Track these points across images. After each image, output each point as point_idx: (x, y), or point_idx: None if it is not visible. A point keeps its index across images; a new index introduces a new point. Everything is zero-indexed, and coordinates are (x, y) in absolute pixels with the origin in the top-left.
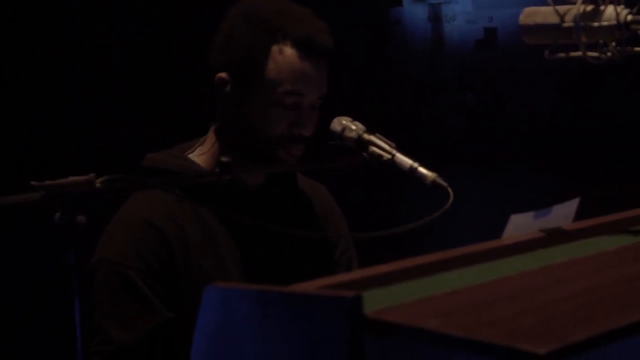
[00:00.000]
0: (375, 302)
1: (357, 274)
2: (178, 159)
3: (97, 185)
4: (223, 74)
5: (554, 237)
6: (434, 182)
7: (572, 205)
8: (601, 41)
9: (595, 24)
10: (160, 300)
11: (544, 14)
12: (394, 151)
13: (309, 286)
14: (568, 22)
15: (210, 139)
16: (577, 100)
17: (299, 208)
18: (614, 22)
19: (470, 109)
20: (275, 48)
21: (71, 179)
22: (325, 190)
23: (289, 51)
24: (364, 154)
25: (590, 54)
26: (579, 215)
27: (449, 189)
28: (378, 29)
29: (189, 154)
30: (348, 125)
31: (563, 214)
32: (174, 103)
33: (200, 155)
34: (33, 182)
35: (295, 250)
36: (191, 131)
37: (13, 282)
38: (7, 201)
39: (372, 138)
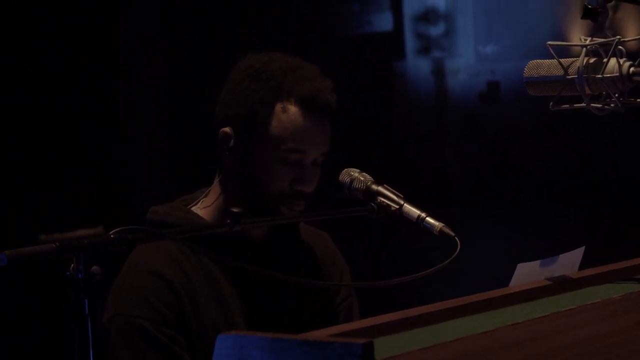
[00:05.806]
0: (384, 350)
1: (366, 322)
2: (181, 211)
3: (112, 236)
4: (227, 129)
5: (560, 285)
6: (441, 231)
7: (577, 254)
8: (604, 93)
9: (599, 76)
10: (178, 347)
11: (548, 67)
12: (401, 201)
13: (320, 334)
14: (572, 75)
15: (214, 191)
16: (579, 148)
17: (301, 257)
18: (616, 74)
19: (473, 157)
20: (279, 106)
21: (79, 232)
22: (328, 237)
23: (292, 109)
24: (372, 204)
25: (593, 105)
26: (585, 261)
27: (457, 238)
28: (382, 82)
29: (191, 206)
30: (356, 176)
31: (569, 262)
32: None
33: (203, 208)
34: (43, 236)
35: (298, 299)
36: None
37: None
38: (23, 253)
39: (380, 189)
